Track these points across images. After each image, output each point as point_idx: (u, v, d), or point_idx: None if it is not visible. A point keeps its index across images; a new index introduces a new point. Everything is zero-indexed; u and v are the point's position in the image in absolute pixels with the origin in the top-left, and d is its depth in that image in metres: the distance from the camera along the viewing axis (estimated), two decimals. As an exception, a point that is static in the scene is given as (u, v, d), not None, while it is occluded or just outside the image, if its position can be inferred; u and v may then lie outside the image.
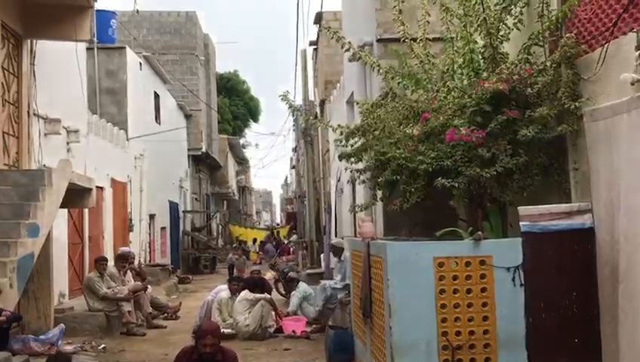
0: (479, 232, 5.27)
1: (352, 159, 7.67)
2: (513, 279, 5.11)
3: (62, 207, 8.61)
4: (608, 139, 4.97)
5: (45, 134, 10.07)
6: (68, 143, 11.11)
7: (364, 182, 7.79)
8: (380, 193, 7.61)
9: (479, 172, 5.59)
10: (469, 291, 5.11)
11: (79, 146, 11.50)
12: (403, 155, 6.42)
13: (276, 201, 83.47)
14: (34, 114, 9.55)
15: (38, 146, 9.65)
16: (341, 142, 7.86)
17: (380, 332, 5.56)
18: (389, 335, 5.13)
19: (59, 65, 10.76)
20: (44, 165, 9.58)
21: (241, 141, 41.39)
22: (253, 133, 50.27)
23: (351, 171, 7.93)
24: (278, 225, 50.49)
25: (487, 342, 5.08)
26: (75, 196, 8.93)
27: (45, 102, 9.99)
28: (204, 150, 25.51)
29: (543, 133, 5.56)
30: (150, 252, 18.00)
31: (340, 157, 7.99)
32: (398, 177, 6.53)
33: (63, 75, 10.98)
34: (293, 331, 9.26)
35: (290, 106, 9.04)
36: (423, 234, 6.73)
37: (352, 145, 7.76)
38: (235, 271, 15.60)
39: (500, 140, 5.68)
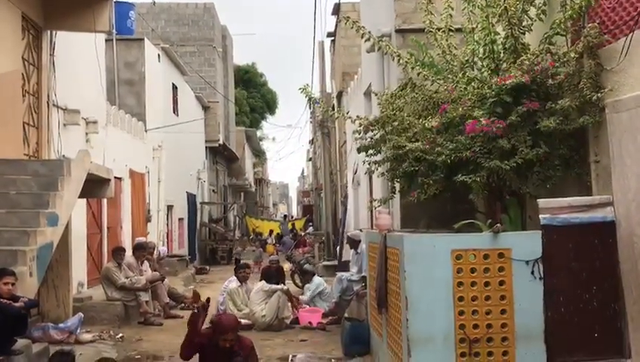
0: (498, 224, 5.20)
1: (371, 151, 7.63)
2: (532, 272, 5.04)
3: (80, 197, 8.67)
4: (631, 130, 4.88)
5: (64, 125, 10.15)
6: (87, 134, 11.20)
7: (382, 174, 7.75)
8: (397, 185, 7.56)
9: (499, 164, 5.51)
10: (487, 284, 5.06)
11: (98, 137, 11.59)
12: (421, 148, 6.36)
13: (292, 194, 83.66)
14: (53, 105, 9.63)
15: (57, 137, 9.73)
16: (359, 133, 7.82)
17: (397, 324, 5.53)
18: (405, 327, 5.10)
19: (78, 57, 10.84)
20: (64, 156, 9.67)
21: (258, 133, 41.50)
22: (270, 124, 50.42)
23: (369, 164, 7.89)
24: (292, 217, 50.61)
25: (504, 336, 5.03)
26: (94, 186, 8.99)
27: (64, 94, 10.07)
28: (221, 142, 25.59)
29: (564, 125, 5.48)
30: (168, 242, 18.11)
31: (359, 150, 7.94)
32: (416, 169, 6.48)
33: (82, 67, 11.06)
34: (310, 322, 9.27)
35: (310, 99, 8.99)
36: (441, 226, 6.68)
37: (370, 138, 7.71)
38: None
39: (520, 131, 5.61)
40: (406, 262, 5.12)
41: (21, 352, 5.18)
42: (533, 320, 5.03)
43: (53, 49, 9.61)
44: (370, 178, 11.96)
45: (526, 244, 5.10)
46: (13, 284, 5.57)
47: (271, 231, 31.35)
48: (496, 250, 5.08)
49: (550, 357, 5.03)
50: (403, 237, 5.31)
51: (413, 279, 5.07)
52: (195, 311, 5.22)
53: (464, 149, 5.90)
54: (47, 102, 9.37)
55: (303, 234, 28.39)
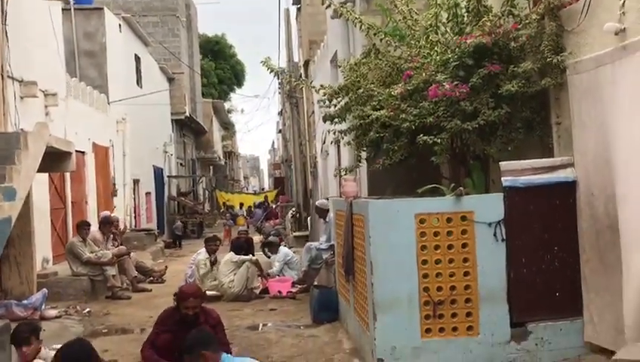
0: (460, 188, 5.22)
1: (336, 120, 7.57)
2: (495, 234, 5.10)
3: (41, 171, 8.44)
4: (591, 91, 4.91)
5: (21, 97, 9.81)
6: (46, 107, 10.85)
7: (348, 143, 7.71)
8: (364, 154, 7.54)
9: (461, 125, 5.52)
10: (450, 247, 5.10)
11: (58, 110, 11.25)
12: (386, 115, 6.33)
13: (264, 167, 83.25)
14: (8, 76, 9.28)
15: (14, 110, 9.41)
16: (324, 103, 7.74)
17: (362, 289, 5.55)
18: (370, 292, 5.13)
19: (33, 27, 10.44)
20: (22, 129, 9.36)
21: (227, 105, 40.99)
22: (238, 96, 49.80)
23: (334, 133, 7.83)
24: (263, 189, 50.48)
25: (468, 297, 5.09)
26: (54, 160, 8.76)
27: (20, 65, 9.71)
28: (187, 114, 25.20)
29: (526, 88, 5.50)
30: (135, 217, 17.89)
31: (324, 119, 7.87)
32: (382, 136, 6.45)
33: (38, 38, 10.66)
34: (279, 292, 9.27)
35: (272, 71, 8.85)
36: (408, 193, 6.68)
37: (335, 106, 7.65)
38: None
39: (483, 94, 5.62)
40: (370, 227, 5.12)
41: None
42: (495, 281, 5.10)
43: (5, 18, 9.22)
44: (338, 147, 11.91)
45: (488, 207, 5.14)
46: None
47: (241, 205, 31.21)
48: (459, 213, 5.11)
49: (513, 317, 5.12)
50: (368, 204, 5.30)
51: (378, 244, 5.08)
52: None
53: (428, 115, 5.89)
54: (1, 74, 9.03)
55: (274, 206, 28.37)
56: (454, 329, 5.08)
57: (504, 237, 5.11)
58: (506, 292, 5.10)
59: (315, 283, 8.95)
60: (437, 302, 5.05)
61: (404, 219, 5.08)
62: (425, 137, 5.67)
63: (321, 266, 9.25)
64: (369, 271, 5.15)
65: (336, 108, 7.46)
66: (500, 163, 5.33)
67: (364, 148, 7.24)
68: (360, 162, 7.69)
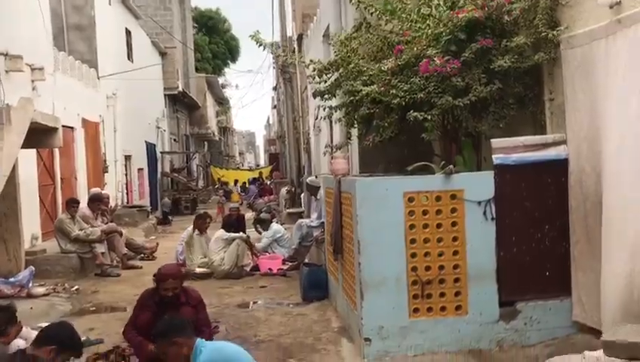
0: (450, 166, 5.12)
1: (326, 96, 7.42)
2: (485, 213, 5.01)
3: (27, 147, 8.30)
4: (585, 66, 4.78)
5: (6, 72, 9.59)
6: (33, 82, 10.63)
7: (339, 120, 7.57)
8: (355, 131, 7.41)
9: (452, 101, 5.39)
10: (439, 226, 5.01)
11: (46, 85, 11.04)
12: (376, 90, 6.20)
13: (260, 143, 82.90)
14: (-8, 50, 9.08)
15: (-1, 84, 9.21)
16: (314, 78, 7.58)
17: (351, 268, 5.48)
18: (358, 271, 5.05)
19: (18, 0, 10.18)
20: (7, 104, 9.17)
21: (221, 81, 40.58)
22: (233, 70, 49.28)
23: (324, 109, 7.70)
24: (258, 165, 50.33)
25: (457, 277, 5.02)
26: (41, 136, 8.62)
27: (5, 38, 9.48)
28: (180, 89, 24.91)
29: (518, 63, 5.37)
30: (128, 193, 17.76)
31: (314, 95, 7.72)
32: (372, 112, 6.32)
33: (23, 10, 10.41)
34: (270, 269, 9.22)
35: (261, 45, 8.65)
36: (399, 171, 6.59)
37: (325, 82, 7.49)
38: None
39: (475, 70, 5.49)
40: (358, 205, 5.02)
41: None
42: (485, 260, 5.03)
43: (-12, -11, 8.99)
44: (331, 123, 11.78)
45: (478, 185, 5.04)
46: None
47: (236, 181, 31.08)
48: (449, 191, 5.02)
49: (502, 296, 5.06)
50: (355, 181, 5.20)
51: (366, 223, 4.99)
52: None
53: (418, 90, 5.76)
54: (-15, 48, 8.83)
55: (268, 182, 28.26)
56: (442, 308, 5.03)
57: (494, 216, 5.03)
58: (495, 272, 5.04)
59: (306, 260, 8.89)
60: (425, 281, 4.98)
61: (392, 198, 4.98)
62: (415, 113, 5.54)
63: (311, 244, 9.19)
64: (356, 250, 5.07)
65: (327, 84, 7.31)
66: (491, 140, 5.21)
67: (355, 125, 7.12)
68: (350, 139, 7.57)
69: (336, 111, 7.43)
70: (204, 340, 3.58)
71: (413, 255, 4.99)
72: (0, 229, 8.40)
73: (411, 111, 5.59)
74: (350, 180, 5.56)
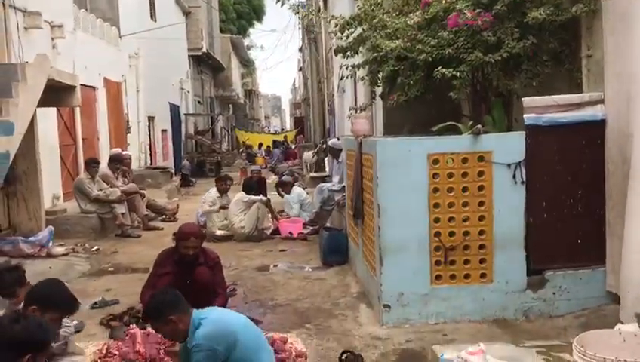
0: (478, 126, 4.81)
1: (348, 53, 7.10)
2: (514, 176, 4.72)
3: (44, 105, 8.18)
4: (628, 19, 4.39)
5: (25, 28, 9.44)
6: (53, 39, 10.48)
7: (362, 79, 7.26)
8: (379, 90, 7.10)
9: (483, 57, 5.05)
10: (465, 189, 4.74)
11: (66, 43, 10.88)
12: (401, 46, 5.86)
13: (285, 107, 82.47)
14: (10, 5, 8.90)
15: (17, 41, 9.06)
16: (336, 34, 7.25)
17: (371, 233, 5.26)
18: (377, 236, 4.83)
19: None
20: (27, 62, 9.05)
21: (246, 42, 40.10)
22: (257, 31, 48.56)
23: (347, 67, 7.38)
24: (283, 129, 50.08)
25: (482, 243, 4.77)
26: (59, 94, 8.48)
27: (23, -6, 9.31)
28: (205, 50, 24.62)
29: (554, 16, 5.01)
30: (151, 155, 17.72)
31: (336, 52, 7.41)
32: (397, 69, 6.01)
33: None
34: (290, 233, 9.07)
35: (284, 4, 8.30)
36: (426, 132, 6.30)
37: (347, 37, 7.16)
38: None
39: (507, 23, 5.12)
40: (379, 167, 4.77)
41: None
42: (513, 226, 4.76)
43: (5, -56, 8.77)
44: (355, 83, 11.44)
45: (508, 146, 4.74)
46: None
47: (260, 144, 30.94)
48: (476, 153, 4.72)
49: (530, 264, 4.81)
50: (376, 142, 4.94)
51: (386, 185, 4.75)
52: None
53: (446, 45, 5.44)
54: (3, 2, 8.65)
55: (293, 146, 28.06)
56: (466, 276, 4.80)
57: (524, 180, 4.73)
58: (523, 238, 4.77)
59: (327, 225, 8.70)
60: (449, 247, 4.74)
61: (415, 159, 4.71)
62: (443, 70, 5.22)
63: (333, 208, 8.99)
64: (376, 214, 4.84)
65: (349, 40, 6.98)
66: (523, 99, 4.87)
67: (379, 84, 6.81)
68: (374, 99, 7.26)
69: (359, 70, 7.12)
70: (201, 311, 3.35)
71: (437, 220, 4.74)
72: (20, 188, 8.37)
73: (439, 68, 5.27)
74: (371, 141, 5.30)
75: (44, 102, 7.77)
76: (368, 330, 4.75)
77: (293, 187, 10.40)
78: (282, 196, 10.78)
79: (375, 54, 6.15)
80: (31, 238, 7.78)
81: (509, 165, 4.72)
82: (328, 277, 6.60)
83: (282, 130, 50.33)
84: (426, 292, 4.77)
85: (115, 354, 4.02)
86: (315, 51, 19.77)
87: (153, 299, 3.55)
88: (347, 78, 8.02)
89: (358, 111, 7.86)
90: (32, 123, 7.93)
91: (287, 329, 4.80)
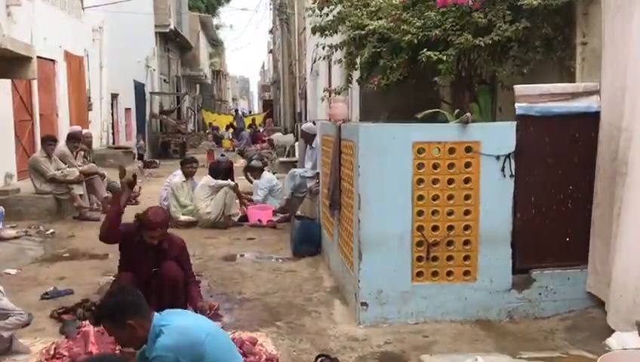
0: (467, 114, 4.50)
1: (327, 33, 6.71)
2: (503, 169, 4.44)
3: (-2, 77, 7.63)
4: (629, 7, 4.12)
5: (-23, -6, 8.79)
6: (7, 7, 9.79)
7: (339, 61, 6.88)
8: (356, 74, 6.73)
9: (472, 40, 4.74)
10: (450, 181, 4.44)
11: (23, 11, 10.18)
12: (385, 26, 5.51)
13: (254, 90, 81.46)
14: (-41, -32, 8.23)
15: (-32, 7, 8.41)
16: (314, 11, 6.85)
17: (348, 224, 4.93)
18: (357, 228, 4.50)
19: None
20: (-23, 29, 8.39)
21: (215, 21, 39.16)
22: (227, 9, 47.40)
23: (323, 47, 6.99)
24: (250, 112, 49.36)
25: (467, 239, 4.49)
26: (13, 65, 7.90)
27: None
28: (172, 27, 23.79)
29: (549, 0, 4.69)
30: (114, 133, 17.03)
31: (313, 31, 7.00)
32: (379, 51, 5.66)
33: None
34: (259, 220, 8.67)
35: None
36: (404, 120, 5.98)
37: (326, 15, 6.77)
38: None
39: (500, 5, 4.82)
40: (360, 155, 4.42)
41: None
42: (500, 222, 4.49)
43: None
44: (330, 66, 11.05)
45: (498, 137, 4.45)
46: None
47: (228, 126, 30.27)
48: (464, 143, 4.42)
49: (516, 263, 4.54)
50: (358, 128, 4.58)
51: (368, 175, 4.41)
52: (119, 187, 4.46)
53: (433, 27, 5.13)
54: (-49, -35, 7.97)
55: (261, 130, 27.52)
56: (449, 273, 4.51)
57: (513, 173, 4.45)
58: (510, 235, 4.50)
59: (298, 213, 8.34)
60: (431, 242, 4.44)
61: (399, 148, 4.38)
62: (429, 52, 4.89)
63: (304, 195, 8.61)
64: (356, 205, 4.50)
65: (328, 18, 6.59)
66: (515, 86, 4.57)
67: (356, 67, 6.45)
68: (350, 83, 6.90)
69: (336, 51, 6.74)
70: (163, 315, 2.94)
71: (420, 213, 4.43)
72: (-32, 165, 7.78)
73: (424, 50, 4.93)
74: (352, 126, 4.94)
75: (-4, 73, 7.20)
76: (344, 330, 4.43)
77: (263, 172, 9.99)
78: (251, 181, 10.37)
79: (356, 33, 5.78)
80: (-22, 220, 7.22)
81: (497, 157, 4.43)
82: (300, 268, 6.25)
83: (250, 112, 49.54)
84: (407, 289, 4.47)
85: (65, 355, 3.60)
86: (287, 32, 19.27)
87: (111, 297, 3.10)
88: (323, 59, 7.64)
89: (333, 95, 7.50)
90: (-19, 95, 7.37)
91: (256, 328, 4.45)
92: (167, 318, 2.90)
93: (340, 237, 5.36)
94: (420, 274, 4.50)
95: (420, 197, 4.42)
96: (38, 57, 8.78)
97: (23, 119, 10.54)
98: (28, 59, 7.92)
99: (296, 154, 14.47)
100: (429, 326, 4.45)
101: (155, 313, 2.94)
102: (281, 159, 15.29)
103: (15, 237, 7.33)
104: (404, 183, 4.40)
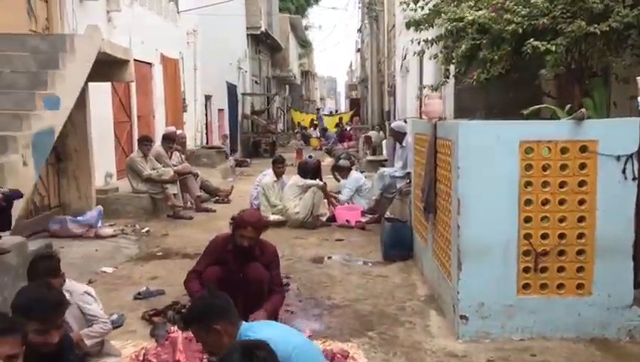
0: (582, 109, 4.04)
1: (422, 27, 6.40)
2: (624, 171, 3.95)
3: (98, 80, 7.86)
4: None
5: (80, 0, 9.13)
6: (108, 12, 10.18)
7: (435, 56, 6.55)
8: (453, 68, 6.38)
9: (585, 28, 4.27)
10: (562, 185, 4.01)
11: (122, 17, 10.55)
12: (486, 16, 5.14)
13: (341, 89, 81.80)
14: (64, -24, 8.59)
15: (72, 13, 8.75)
16: (408, 5, 6.55)
17: (445, 230, 4.59)
18: (455, 235, 4.16)
19: None
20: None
21: (304, 22, 39.44)
22: (318, 7, 47.57)
23: (418, 43, 6.68)
24: (337, 111, 49.32)
25: (581, 249, 4.04)
26: (111, 69, 8.11)
27: (78, -36, 8.98)
28: (263, 29, 24.13)
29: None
30: (207, 134, 17.44)
31: (407, 25, 6.71)
32: (479, 43, 5.28)
33: None
34: (347, 221, 8.47)
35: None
36: (503, 117, 5.56)
37: (421, 8, 6.46)
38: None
39: (619, -13, 4.31)
40: (461, 155, 4.09)
41: (6, 251, 4.51)
42: (619, 230, 4.01)
43: None
44: (421, 62, 10.69)
45: (619, 135, 3.97)
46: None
47: (314, 125, 30.33)
48: (579, 142, 3.97)
49: (638, 275, 4.05)
50: (458, 126, 4.23)
51: (469, 177, 4.06)
52: None
53: (541, 15, 4.70)
54: (56, -27, 8.33)
55: (348, 128, 27.37)
56: (560, 286, 4.08)
57: (636, 175, 3.96)
58: (632, 245, 4.00)
59: (387, 214, 8.05)
60: (540, 252, 4.03)
61: (505, 147, 4.01)
62: (536, 42, 4.46)
63: (394, 195, 8.32)
64: (455, 209, 4.17)
65: (423, 13, 6.27)
66: (638, 78, 4.07)
67: (453, 61, 6.09)
68: (448, 78, 6.54)
69: (431, 45, 6.41)
70: (252, 325, 2.78)
71: (527, 219, 4.03)
72: (71, 165, 8.10)
73: (531, 40, 4.51)
74: (450, 124, 4.61)
75: (96, 76, 7.41)
76: (441, 344, 4.11)
77: (351, 171, 9.78)
78: (339, 181, 10.20)
79: (453, 25, 5.43)
80: (79, 218, 7.48)
81: (618, 157, 3.95)
82: (391, 274, 5.98)
83: (336, 111, 49.53)
84: (512, 303, 4.09)
85: None
86: (376, 30, 18.96)
87: (201, 300, 3.05)
88: (416, 55, 7.31)
89: (427, 90, 7.16)
90: (83, 98, 7.61)
91: (347, 338, 4.22)
92: (255, 328, 2.73)
93: (435, 242, 5.04)
94: (526, 286, 4.10)
95: (528, 202, 4.03)
96: (135, 60, 9.03)
97: (121, 120, 10.93)
98: (126, 62, 8.12)
99: (384, 152, 14.15)
100: (537, 344, 4.04)
101: (244, 322, 2.79)
102: (369, 158, 15.01)
103: (113, 236, 7.53)
104: (509, 186, 4.02)
